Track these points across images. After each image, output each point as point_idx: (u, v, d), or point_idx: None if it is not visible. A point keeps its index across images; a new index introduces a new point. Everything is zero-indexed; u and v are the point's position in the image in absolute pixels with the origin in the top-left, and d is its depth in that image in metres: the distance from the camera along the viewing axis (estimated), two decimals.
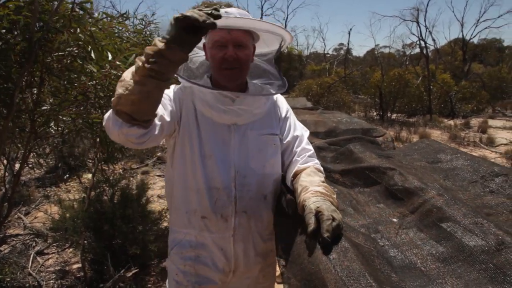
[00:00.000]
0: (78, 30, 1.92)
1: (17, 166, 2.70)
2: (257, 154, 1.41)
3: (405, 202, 1.52)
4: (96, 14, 2.12)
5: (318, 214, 1.13)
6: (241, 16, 1.30)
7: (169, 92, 1.39)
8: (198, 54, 1.48)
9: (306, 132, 1.57)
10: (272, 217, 1.48)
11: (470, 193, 1.61)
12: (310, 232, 1.10)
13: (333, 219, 1.11)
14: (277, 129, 1.48)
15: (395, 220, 1.44)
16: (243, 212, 1.40)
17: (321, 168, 1.48)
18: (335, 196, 1.29)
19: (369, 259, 1.11)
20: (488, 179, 1.70)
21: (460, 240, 1.21)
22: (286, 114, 1.54)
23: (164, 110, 1.32)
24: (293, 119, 1.56)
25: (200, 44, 1.42)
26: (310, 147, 1.54)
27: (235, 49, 1.30)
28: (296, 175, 1.42)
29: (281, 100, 1.57)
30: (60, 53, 1.91)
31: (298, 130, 1.54)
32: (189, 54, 1.31)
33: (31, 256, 3.42)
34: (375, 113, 15.51)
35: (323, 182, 1.35)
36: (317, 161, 1.50)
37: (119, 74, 2.22)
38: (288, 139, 1.51)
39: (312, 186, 1.28)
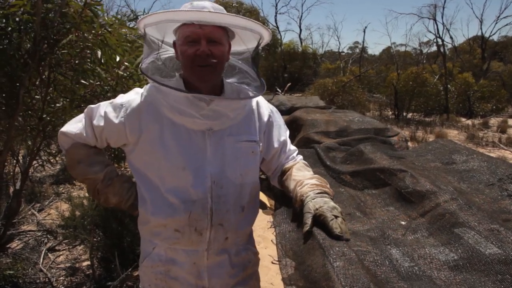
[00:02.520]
0: (86, 33, 1.91)
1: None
2: (234, 163, 1.29)
3: (415, 205, 1.45)
4: (109, 14, 2.10)
5: (320, 217, 1.13)
6: (216, 11, 1.20)
7: (123, 107, 1.29)
8: (167, 52, 1.37)
9: (287, 131, 1.50)
10: (249, 228, 1.43)
11: (487, 197, 1.53)
12: (305, 232, 1.12)
13: (336, 216, 1.13)
14: (255, 135, 1.36)
15: (403, 223, 1.38)
16: (219, 225, 1.29)
17: (307, 164, 1.47)
18: (328, 185, 1.32)
19: (375, 267, 1.06)
20: (507, 182, 1.62)
21: (474, 248, 1.14)
22: (269, 118, 1.42)
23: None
24: (277, 122, 1.45)
25: (170, 40, 1.33)
26: (293, 146, 1.51)
27: (208, 45, 1.18)
28: (284, 173, 1.41)
29: (261, 101, 1.44)
30: (65, 51, 1.90)
31: (283, 133, 1.46)
32: (157, 52, 1.33)
33: (43, 252, 3.45)
34: (390, 112, 15.30)
35: (313, 174, 1.37)
36: (301, 157, 1.49)
37: (126, 74, 2.20)
38: (276, 146, 1.42)
39: (306, 180, 1.30)
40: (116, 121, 1.28)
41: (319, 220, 1.14)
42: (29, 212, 4.41)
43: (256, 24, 1.23)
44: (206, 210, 1.27)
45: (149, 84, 1.33)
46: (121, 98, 1.32)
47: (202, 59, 1.19)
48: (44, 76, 2.09)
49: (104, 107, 1.32)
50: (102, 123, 1.30)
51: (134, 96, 1.31)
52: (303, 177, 1.33)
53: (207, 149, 1.27)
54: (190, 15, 1.18)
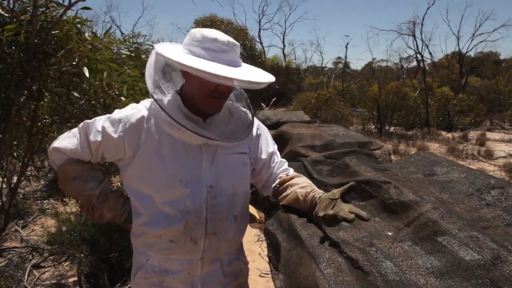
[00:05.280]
0: (73, 50, 1.93)
1: (15, 178, 2.70)
2: (227, 174, 1.35)
3: (400, 216, 1.52)
4: (94, 30, 2.13)
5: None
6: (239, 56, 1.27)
7: (122, 122, 1.31)
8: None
9: (275, 145, 1.57)
10: (241, 238, 1.48)
11: (466, 206, 1.61)
12: (347, 188, 1.27)
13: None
14: (246, 147, 1.43)
15: (390, 233, 1.44)
16: (213, 234, 1.34)
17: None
18: None
19: (363, 274, 1.11)
20: (484, 192, 1.71)
21: (455, 254, 1.21)
22: (257, 132, 1.49)
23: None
24: (264, 135, 1.52)
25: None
26: (283, 159, 1.58)
27: None
28: (284, 182, 1.47)
29: (250, 118, 1.48)
30: (55, 68, 1.92)
31: (271, 145, 1.52)
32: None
33: (27, 269, 3.39)
34: (373, 126, 15.57)
35: None
36: (292, 169, 1.56)
37: (114, 93, 2.21)
38: (264, 157, 1.48)
39: (316, 188, 1.39)
40: (115, 136, 1.30)
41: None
42: (13, 229, 4.33)
43: (272, 78, 1.30)
44: (202, 219, 1.31)
45: (147, 100, 1.36)
46: (118, 113, 1.34)
47: (220, 93, 1.25)
48: (32, 92, 2.10)
49: (101, 122, 1.33)
50: (99, 138, 1.31)
51: (132, 111, 1.34)
52: (312, 186, 1.42)
53: (203, 162, 1.32)
54: (233, 80, 1.18)
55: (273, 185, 1.49)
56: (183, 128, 1.23)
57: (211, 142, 1.32)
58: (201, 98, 1.27)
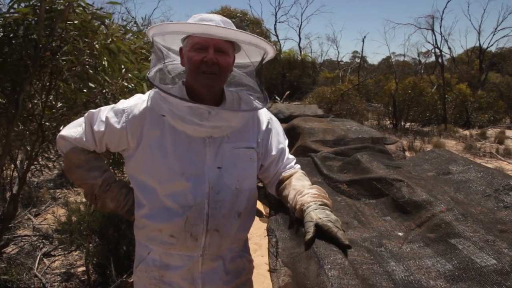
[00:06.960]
0: (94, 41, 1.93)
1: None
2: (232, 169, 1.31)
3: (412, 216, 1.46)
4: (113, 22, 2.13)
5: (323, 227, 1.14)
6: (225, 26, 1.23)
7: (125, 112, 1.30)
8: (173, 62, 1.39)
9: (286, 140, 1.52)
10: (245, 235, 1.45)
11: (483, 208, 1.54)
12: (308, 240, 1.13)
13: (339, 228, 1.15)
14: (254, 142, 1.38)
15: (400, 234, 1.38)
16: (214, 231, 1.29)
17: (305, 173, 1.49)
18: (327, 195, 1.33)
19: (370, 276, 1.06)
20: (503, 193, 1.63)
21: (469, 258, 1.15)
22: (267, 126, 1.44)
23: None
24: (275, 130, 1.47)
25: (176, 48, 1.36)
26: (291, 156, 1.52)
27: (215, 54, 1.22)
28: (282, 181, 1.42)
29: (261, 110, 1.45)
30: (68, 58, 1.90)
31: (282, 141, 1.47)
32: (164, 62, 1.36)
33: (38, 257, 3.44)
34: (388, 122, 15.34)
35: (312, 185, 1.38)
36: (299, 166, 1.51)
37: (131, 86, 2.21)
38: (274, 153, 1.43)
39: (307, 189, 1.32)
40: (118, 126, 1.30)
41: (322, 230, 1.14)
42: (25, 217, 4.40)
43: (261, 40, 1.27)
44: (202, 215, 1.28)
45: (152, 91, 1.34)
46: (122, 104, 1.34)
47: (208, 66, 1.22)
48: (45, 83, 2.10)
49: (105, 112, 1.33)
50: (102, 128, 1.31)
51: (136, 102, 1.33)
52: (303, 187, 1.34)
53: (206, 155, 1.29)
54: (199, 28, 1.20)
55: (276, 183, 1.44)
56: (166, 93, 1.22)
57: (215, 134, 1.29)
58: (192, 76, 1.25)
